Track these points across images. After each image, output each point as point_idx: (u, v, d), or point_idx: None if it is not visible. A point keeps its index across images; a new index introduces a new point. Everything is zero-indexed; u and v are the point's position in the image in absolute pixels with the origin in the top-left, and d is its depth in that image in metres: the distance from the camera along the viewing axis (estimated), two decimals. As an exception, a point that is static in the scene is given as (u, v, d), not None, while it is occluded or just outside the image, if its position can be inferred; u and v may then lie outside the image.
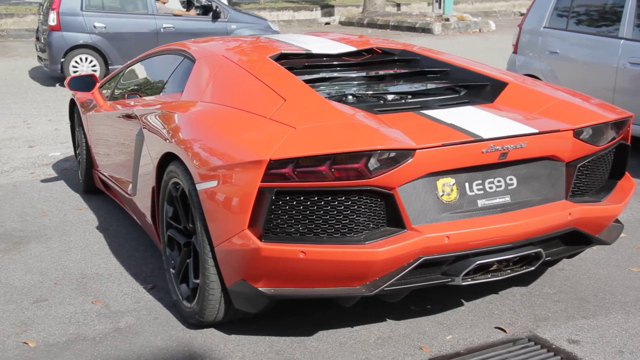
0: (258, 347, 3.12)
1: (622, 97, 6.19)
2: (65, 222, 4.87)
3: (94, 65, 10.98)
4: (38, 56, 11.70)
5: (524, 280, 3.71)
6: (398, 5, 24.56)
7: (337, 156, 2.69)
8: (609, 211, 3.26)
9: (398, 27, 19.47)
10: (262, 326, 3.30)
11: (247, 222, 2.75)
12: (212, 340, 3.18)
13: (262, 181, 2.69)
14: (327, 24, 22.53)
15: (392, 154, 2.74)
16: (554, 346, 3.07)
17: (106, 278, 3.91)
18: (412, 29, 19.01)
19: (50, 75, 11.54)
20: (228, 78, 3.62)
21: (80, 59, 10.94)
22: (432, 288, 3.41)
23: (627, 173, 3.51)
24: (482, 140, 2.87)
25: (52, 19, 10.58)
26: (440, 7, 22.83)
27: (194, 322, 3.23)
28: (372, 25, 20.52)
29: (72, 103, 5.65)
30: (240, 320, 3.31)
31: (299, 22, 22.30)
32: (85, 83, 5.18)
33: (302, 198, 2.74)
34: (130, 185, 4.20)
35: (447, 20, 18.79)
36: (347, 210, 2.79)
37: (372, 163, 2.72)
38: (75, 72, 10.78)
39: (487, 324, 3.28)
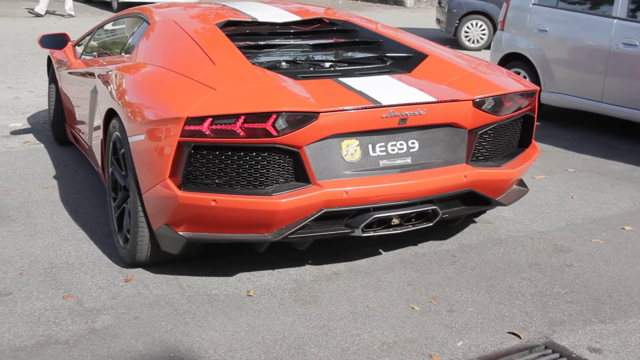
0: (252, 353, 2.82)
1: (613, 80, 6.00)
2: (30, 202, 4.48)
3: (483, 30, 11.88)
4: (437, 18, 12.45)
5: (532, 278, 3.48)
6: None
7: (247, 115, 2.97)
8: (504, 175, 3.50)
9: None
10: (256, 328, 3.00)
11: (168, 172, 3.05)
12: (200, 345, 2.87)
13: (180, 136, 2.98)
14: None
15: (298, 116, 3.02)
16: (574, 355, 2.84)
17: (78, 268, 3.56)
18: (384, 1, 18.60)
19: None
20: (171, 41, 3.92)
21: (472, 24, 11.82)
22: (435, 281, 3.46)
23: (533, 142, 3.79)
24: (382, 106, 3.15)
25: None
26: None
27: (128, 262, 3.53)
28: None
29: (50, 60, 5.81)
30: (232, 322, 3.03)
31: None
32: (56, 41, 5.34)
33: (217, 152, 3.04)
34: (87, 137, 4.55)
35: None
36: (258, 165, 3.08)
37: (280, 123, 3.00)
38: (466, 36, 11.90)
39: (499, 328, 3.03)
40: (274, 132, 3.00)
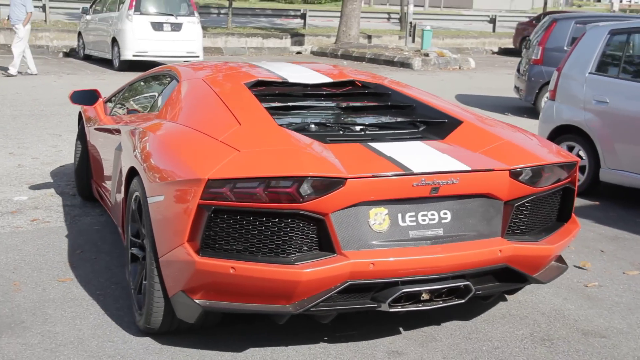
0: None
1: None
2: (46, 302, 3.77)
3: None
4: (515, 86, 11.70)
5: None
6: (369, 37, 23.94)
7: (271, 180, 2.83)
8: (542, 251, 3.28)
9: (375, 60, 18.74)
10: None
11: (186, 236, 2.90)
12: None
13: (201, 198, 2.84)
14: (298, 53, 21.69)
15: (324, 181, 2.86)
16: None
17: (113, 399, 2.85)
18: (390, 62, 18.29)
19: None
20: (197, 100, 3.84)
21: None
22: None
23: (573, 216, 3.57)
24: (412, 174, 2.98)
25: (536, 53, 10.71)
26: (413, 41, 22.40)
27: (142, 328, 3.36)
28: (347, 56, 19.75)
29: (80, 116, 5.81)
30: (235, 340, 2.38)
31: (269, 50, 21.42)
32: (87, 97, 5.33)
33: (238, 217, 2.89)
34: (110, 195, 4.42)
35: (427, 55, 18.15)
36: (280, 232, 2.91)
37: (305, 188, 2.84)
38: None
39: None
40: (298, 198, 2.85)
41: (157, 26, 15.06)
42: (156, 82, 4.91)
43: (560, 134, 6.53)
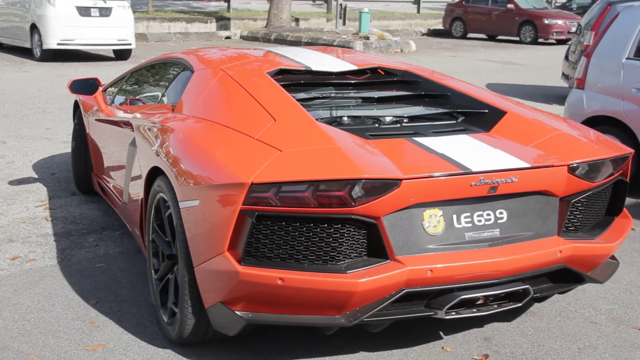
0: None
1: None
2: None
3: None
4: (562, 73, 10.98)
5: None
6: (297, 20, 23.03)
7: (320, 183, 2.63)
8: (602, 250, 3.14)
9: (312, 44, 17.88)
10: None
11: (227, 244, 2.69)
12: None
13: (243, 204, 2.63)
14: (227, 38, 20.55)
15: (377, 184, 2.67)
16: None
17: None
18: (329, 46, 17.48)
19: None
20: (222, 93, 3.57)
21: None
22: None
23: (625, 210, 3.39)
24: (471, 173, 2.80)
25: (589, 39, 9.45)
26: (344, 24, 21.73)
27: (173, 339, 3.13)
28: (281, 41, 18.81)
29: (77, 104, 5.53)
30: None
31: (196, 35, 20.17)
32: (87, 86, 5.02)
33: (283, 223, 2.69)
34: (123, 194, 4.14)
35: (367, 38, 17.48)
36: (329, 238, 2.72)
37: (357, 191, 2.64)
38: None
39: None
40: (350, 202, 2.63)
41: (84, 11, 13.64)
42: (164, 71, 4.54)
43: (593, 125, 5.95)
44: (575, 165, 3.01)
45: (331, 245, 2.72)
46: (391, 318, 2.80)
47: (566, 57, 10.96)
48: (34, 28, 13.81)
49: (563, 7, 25.98)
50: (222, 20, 21.84)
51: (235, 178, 2.65)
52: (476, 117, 3.50)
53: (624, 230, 3.28)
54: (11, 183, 5.70)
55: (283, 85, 3.56)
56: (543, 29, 21.35)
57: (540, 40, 21.67)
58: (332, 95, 3.72)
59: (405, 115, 3.50)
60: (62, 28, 13.39)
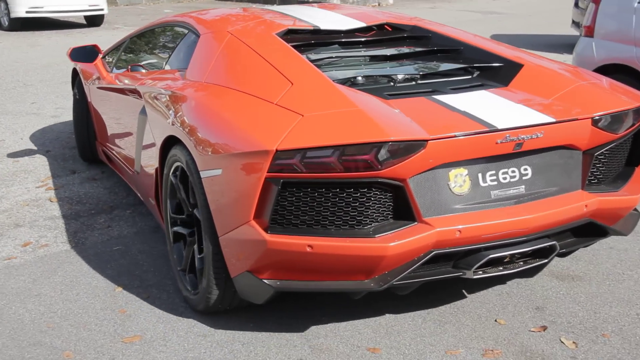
0: None
1: None
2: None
3: None
4: (572, 20, 10.61)
5: None
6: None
7: (346, 147, 2.56)
8: (627, 202, 3.09)
9: (288, 1, 17.48)
10: None
11: (252, 213, 2.64)
12: None
13: (268, 172, 2.57)
14: (199, -3, 20.00)
15: (403, 145, 2.61)
16: None
17: None
18: (305, 3, 17.09)
19: None
20: (233, 57, 3.47)
21: None
22: None
23: None
24: (497, 130, 2.73)
25: None
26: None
27: (199, 309, 3.13)
28: (254, -1, 18.38)
29: (75, 72, 5.43)
30: None
31: (166, -4, 19.60)
32: (87, 54, 4.91)
33: (309, 189, 2.63)
34: (134, 163, 4.07)
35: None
36: (356, 202, 2.67)
37: (382, 154, 2.58)
38: None
39: None
40: (377, 165, 2.58)
41: (52, -24, 13.11)
42: (166, 36, 4.44)
43: (604, 73, 5.83)
44: (598, 117, 2.95)
45: (358, 210, 2.67)
46: (420, 280, 2.77)
47: (576, 4, 10.68)
48: (-1, -4, 13.25)
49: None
50: (192, -20, 21.23)
51: (259, 145, 2.60)
52: (492, 71, 3.42)
53: None
54: (5, 163, 5.43)
55: (293, 46, 3.48)
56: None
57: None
58: (343, 54, 3.63)
59: (420, 73, 3.42)
60: (30, -5, 12.86)
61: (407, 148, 2.60)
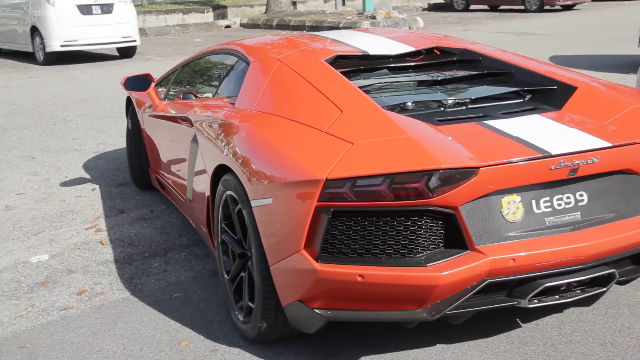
0: None
1: None
2: None
3: None
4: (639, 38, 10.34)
5: None
6: (294, 3, 22.52)
7: (396, 175, 2.54)
8: None
9: (317, 28, 17.41)
10: None
11: (303, 242, 2.64)
12: None
13: (318, 201, 2.57)
14: (227, 27, 20.05)
15: (455, 173, 2.55)
16: None
17: None
18: (335, 29, 17.00)
19: None
20: (283, 84, 3.49)
21: None
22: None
23: None
24: (551, 156, 2.66)
25: None
26: (343, 4, 21.26)
27: (251, 337, 3.10)
28: (283, 27, 18.34)
29: (129, 101, 5.56)
30: None
31: (195, 27, 19.66)
32: (140, 82, 4.94)
33: (359, 218, 2.61)
34: (186, 191, 4.11)
35: (374, 18, 17.01)
36: (407, 231, 2.62)
37: (433, 182, 2.54)
38: None
39: None
40: (428, 193, 2.55)
41: (85, 9, 13.14)
42: (218, 63, 4.45)
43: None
44: None
45: (409, 238, 2.64)
46: (473, 309, 2.71)
47: None
48: (34, 30, 13.32)
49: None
50: (219, 9, 21.32)
51: (309, 175, 2.59)
52: (545, 94, 3.37)
53: None
54: (52, 204, 5.29)
55: (342, 73, 3.49)
56: (549, -4, 20.91)
57: (547, 7, 21.23)
58: (393, 79, 3.61)
59: (471, 97, 3.36)
60: (64, 29, 12.91)
61: (458, 175, 2.56)
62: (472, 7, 22.96)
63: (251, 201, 2.88)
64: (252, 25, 19.54)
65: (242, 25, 20.09)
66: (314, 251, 2.62)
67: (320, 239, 2.60)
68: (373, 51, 3.86)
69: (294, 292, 2.75)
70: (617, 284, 3.00)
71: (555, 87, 3.38)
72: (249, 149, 3.04)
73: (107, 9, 13.34)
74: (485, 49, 4.05)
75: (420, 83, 3.63)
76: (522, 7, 21.56)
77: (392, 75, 3.68)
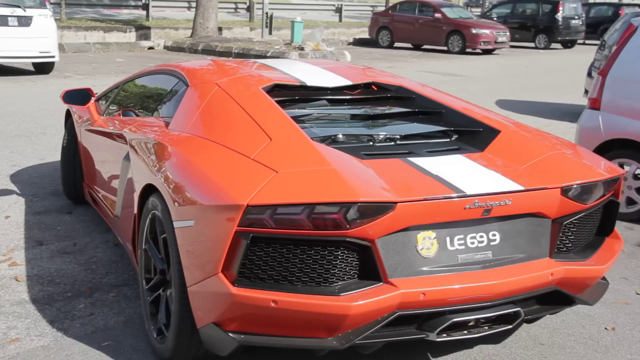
0: None
1: None
2: None
3: None
4: (585, 90, 10.43)
5: None
6: (220, 29, 22.18)
7: (316, 206, 2.61)
8: (593, 272, 3.14)
9: (243, 56, 17.14)
10: None
11: (220, 265, 2.67)
12: None
13: (238, 226, 2.61)
14: (150, 48, 19.50)
15: (372, 206, 2.64)
16: None
17: None
18: (263, 57, 16.77)
19: None
20: (217, 109, 3.54)
21: None
22: None
23: (615, 230, 3.41)
24: (466, 196, 2.79)
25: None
26: (270, 33, 21.15)
27: (162, 356, 3.13)
28: (209, 52, 17.97)
29: (68, 114, 5.54)
30: None
31: (117, 46, 19.01)
32: (80, 96, 5.04)
33: (278, 245, 2.68)
34: (116, 207, 4.15)
35: (302, 49, 16.91)
36: (324, 260, 2.70)
37: (351, 214, 2.62)
38: None
39: None
40: (345, 224, 2.63)
41: (1, 20, 12.40)
42: (159, 83, 4.44)
43: (611, 149, 5.59)
44: (567, 187, 3.01)
45: (325, 268, 2.71)
46: (383, 340, 2.78)
47: (589, 74, 10.54)
48: (-57, 39, 12.43)
49: (483, 16, 26.29)
50: (142, 30, 20.73)
51: (231, 199, 2.63)
52: (470, 135, 3.51)
53: (614, 251, 3.29)
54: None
55: (278, 101, 3.58)
56: (471, 39, 21.45)
57: (468, 50, 21.76)
58: (327, 111, 3.70)
59: (400, 133, 3.47)
60: (-24, 39, 12.10)
61: (375, 209, 2.63)
62: (397, 44, 23.29)
63: (174, 222, 2.92)
64: (177, 48, 19.07)
65: (166, 47, 19.58)
66: (231, 275, 2.66)
67: (238, 263, 2.63)
68: (311, 82, 3.93)
69: (209, 314, 2.78)
70: (524, 322, 3.10)
71: (480, 129, 3.51)
72: (176, 170, 3.08)
73: (25, 21, 12.62)
74: (420, 87, 4.17)
75: (354, 117, 3.71)
76: (445, 48, 22.01)
77: (328, 107, 3.78)
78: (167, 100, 4.11)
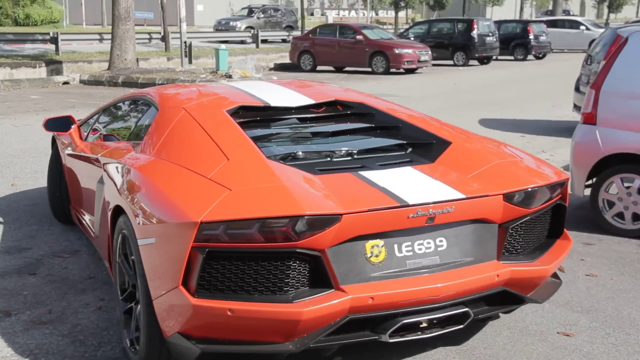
0: None
1: None
2: None
3: None
4: (574, 104, 10.45)
5: None
6: (136, 60, 21.34)
7: (266, 220, 2.79)
8: (539, 272, 3.32)
9: (170, 81, 16.43)
10: None
11: (180, 279, 2.83)
12: None
13: (194, 241, 2.78)
14: (65, 83, 18.46)
15: (318, 219, 2.82)
16: None
17: None
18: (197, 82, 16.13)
19: None
20: (182, 132, 3.69)
21: None
22: None
23: (565, 232, 3.60)
24: (408, 206, 2.96)
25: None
26: (190, 62, 20.59)
27: None
28: (130, 84, 17.14)
29: (54, 139, 5.75)
30: None
31: (28, 82, 17.90)
32: (62, 124, 5.32)
33: (233, 258, 2.84)
34: (94, 227, 4.37)
35: (230, 77, 16.37)
36: (277, 270, 2.89)
37: (300, 227, 2.82)
38: None
39: None
40: (294, 236, 2.81)
41: None
42: (133, 108, 4.73)
43: (611, 164, 5.37)
44: (510, 193, 3.17)
45: (279, 277, 2.88)
46: (338, 343, 2.94)
47: (577, 89, 10.34)
48: None
49: (400, 37, 26.51)
50: (53, 64, 19.64)
51: (186, 217, 2.80)
52: (424, 147, 3.68)
53: (562, 251, 3.46)
54: None
55: (242, 122, 3.75)
56: (394, 59, 21.48)
57: (392, 70, 21.79)
58: (289, 130, 3.87)
59: (357, 149, 3.61)
60: None
61: (322, 221, 2.82)
62: (319, 67, 23.09)
63: (138, 240, 3.11)
64: (95, 82, 18.11)
65: (82, 81, 18.57)
66: (191, 287, 2.82)
67: (196, 276, 2.80)
68: (275, 102, 4.09)
69: (174, 324, 2.94)
70: (476, 321, 3.28)
71: (433, 141, 3.68)
72: (139, 192, 3.25)
73: None
74: (381, 103, 4.30)
75: (315, 134, 3.86)
76: (369, 69, 21.96)
77: (290, 126, 3.92)
78: (140, 125, 4.28)
